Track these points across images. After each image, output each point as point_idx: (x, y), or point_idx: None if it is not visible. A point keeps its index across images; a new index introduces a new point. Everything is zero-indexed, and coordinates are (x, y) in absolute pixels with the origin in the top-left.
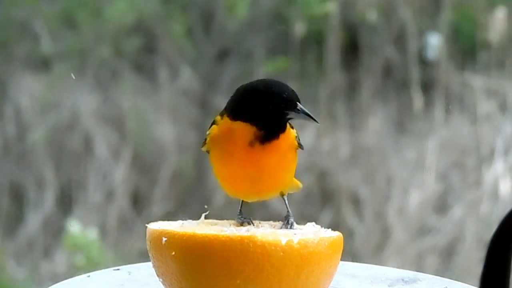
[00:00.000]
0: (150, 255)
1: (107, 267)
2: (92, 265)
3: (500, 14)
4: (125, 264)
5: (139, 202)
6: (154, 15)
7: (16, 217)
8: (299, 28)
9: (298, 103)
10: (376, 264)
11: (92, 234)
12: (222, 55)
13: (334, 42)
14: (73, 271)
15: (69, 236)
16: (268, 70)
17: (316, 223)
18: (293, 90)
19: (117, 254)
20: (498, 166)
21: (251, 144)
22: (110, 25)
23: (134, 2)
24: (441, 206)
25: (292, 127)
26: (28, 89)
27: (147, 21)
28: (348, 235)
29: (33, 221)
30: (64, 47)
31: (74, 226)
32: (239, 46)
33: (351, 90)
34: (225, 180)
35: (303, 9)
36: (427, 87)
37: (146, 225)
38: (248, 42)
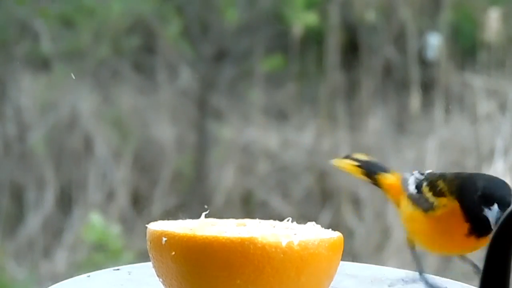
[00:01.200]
0: (150, 255)
1: (127, 264)
2: (112, 261)
3: (494, 14)
4: (125, 264)
5: (139, 202)
6: (150, 15)
7: (16, 217)
8: (297, 29)
9: (496, 204)
10: (376, 264)
11: (115, 229)
12: (220, 56)
13: (333, 42)
14: (73, 270)
15: (90, 228)
16: (266, 69)
17: (316, 223)
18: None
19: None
20: (498, 166)
21: (467, 235)
22: (108, 25)
23: (130, 3)
24: None
25: None
26: (28, 89)
27: (146, 21)
28: (348, 235)
29: (33, 221)
30: (63, 47)
31: (96, 218)
32: (238, 46)
33: (351, 90)
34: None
35: (290, 16)
36: (427, 87)
37: (146, 225)
38: (247, 42)
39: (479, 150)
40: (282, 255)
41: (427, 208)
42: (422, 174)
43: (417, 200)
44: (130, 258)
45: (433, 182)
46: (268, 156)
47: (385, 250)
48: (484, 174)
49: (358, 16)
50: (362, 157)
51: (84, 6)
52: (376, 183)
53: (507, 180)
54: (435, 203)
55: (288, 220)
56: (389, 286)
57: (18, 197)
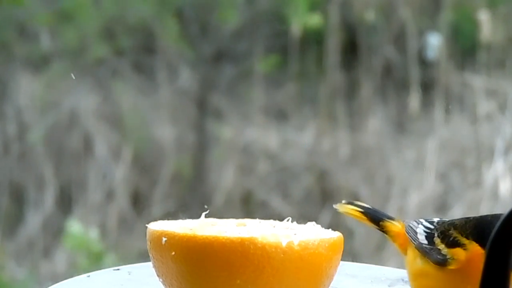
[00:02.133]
0: (150, 255)
1: (108, 267)
2: (93, 266)
3: (483, 16)
4: (125, 264)
5: (139, 202)
6: (150, 16)
7: (16, 217)
8: (296, 29)
9: None
10: (376, 264)
11: (93, 234)
12: (220, 56)
13: (333, 42)
14: (73, 271)
15: (69, 236)
16: (263, 68)
17: (316, 223)
18: None
19: (117, 254)
20: (498, 166)
21: None
22: (107, 25)
23: (129, 3)
24: (441, 206)
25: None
26: (27, 89)
27: (146, 21)
28: (348, 235)
29: (33, 221)
30: (62, 46)
31: (74, 226)
32: (237, 46)
33: (351, 90)
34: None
35: (292, 18)
36: (427, 87)
37: (147, 225)
38: (247, 42)
39: (479, 150)
40: (282, 255)
41: (440, 261)
42: (431, 222)
43: (429, 252)
44: (113, 261)
45: (444, 232)
46: (268, 156)
47: (385, 250)
48: (494, 214)
49: (358, 16)
50: (364, 204)
51: (82, 5)
52: (382, 229)
53: (507, 180)
54: (449, 255)
55: (288, 220)
56: (389, 286)
57: (18, 197)
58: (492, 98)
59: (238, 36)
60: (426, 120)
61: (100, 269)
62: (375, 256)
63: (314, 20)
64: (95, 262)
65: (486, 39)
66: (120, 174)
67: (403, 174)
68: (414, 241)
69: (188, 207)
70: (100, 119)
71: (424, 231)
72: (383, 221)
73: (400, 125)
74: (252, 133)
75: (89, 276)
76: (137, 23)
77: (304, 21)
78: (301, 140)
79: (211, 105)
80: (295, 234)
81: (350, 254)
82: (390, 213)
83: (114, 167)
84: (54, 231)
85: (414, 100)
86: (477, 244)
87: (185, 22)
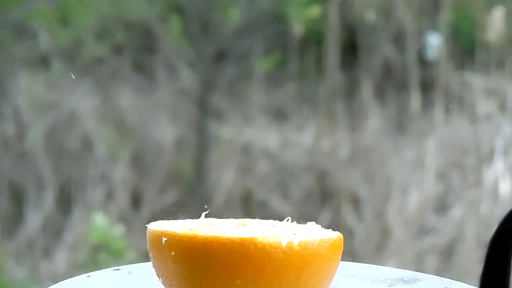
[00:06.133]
0: (150, 255)
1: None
2: (114, 261)
3: (498, 14)
4: (125, 264)
5: (139, 202)
6: (150, 15)
7: (16, 217)
8: (297, 28)
9: None
10: (376, 264)
11: (118, 230)
12: (221, 55)
13: (333, 42)
14: (73, 270)
15: (94, 229)
16: (265, 68)
17: (316, 223)
18: None
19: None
20: (498, 166)
21: None
22: (107, 24)
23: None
24: (441, 206)
25: None
26: (26, 88)
27: (146, 20)
28: (348, 235)
29: (33, 221)
30: (61, 45)
31: (99, 220)
32: (238, 46)
33: (351, 90)
34: None
35: (292, 12)
36: (427, 87)
37: (146, 225)
38: (247, 42)
39: (479, 150)
40: (282, 255)
41: None
42: None
43: None
44: (133, 258)
45: None
46: (268, 156)
47: (385, 250)
48: None
49: (358, 15)
50: None
51: (79, 2)
52: None
53: (507, 180)
54: None
55: (288, 220)
56: (389, 286)
57: (17, 197)
58: (492, 98)
59: (238, 35)
60: (426, 120)
61: (120, 265)
62: (375, 256)
63: (314, 12)
64: (116, 257)
65: (492, 38)
66: (120, 174)
67: (403, 174)
68: None
69: (188, 207)
70: (100, 119)
71: None
72: None
73: (400, 125)
74: (252, 133)
75: (89, 276)
76: (137, 21)
77: (302, 15)
78: (301, 140)
79: (211, 105)
80: (295, 234)
81: (350, 254)
82: (390, 213)
83: (113, 167)
84: (54, 231)
85: (413, 100)
86: None
87: (186, 21)
